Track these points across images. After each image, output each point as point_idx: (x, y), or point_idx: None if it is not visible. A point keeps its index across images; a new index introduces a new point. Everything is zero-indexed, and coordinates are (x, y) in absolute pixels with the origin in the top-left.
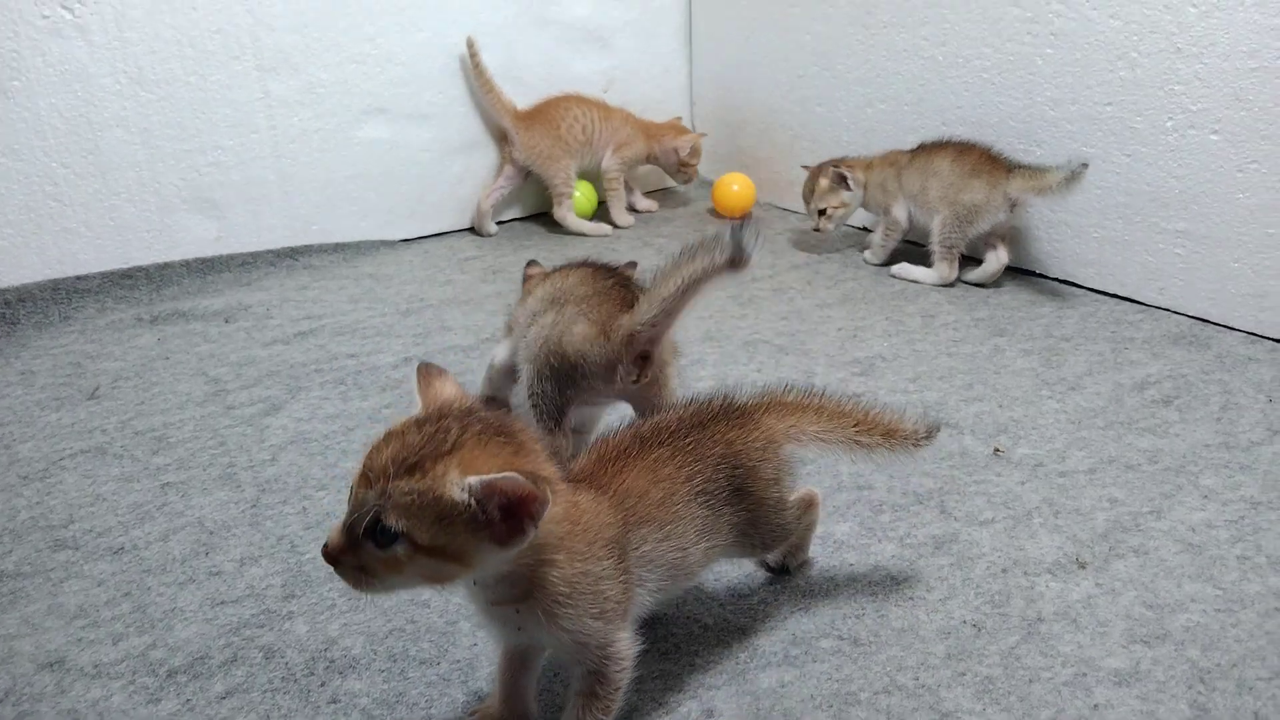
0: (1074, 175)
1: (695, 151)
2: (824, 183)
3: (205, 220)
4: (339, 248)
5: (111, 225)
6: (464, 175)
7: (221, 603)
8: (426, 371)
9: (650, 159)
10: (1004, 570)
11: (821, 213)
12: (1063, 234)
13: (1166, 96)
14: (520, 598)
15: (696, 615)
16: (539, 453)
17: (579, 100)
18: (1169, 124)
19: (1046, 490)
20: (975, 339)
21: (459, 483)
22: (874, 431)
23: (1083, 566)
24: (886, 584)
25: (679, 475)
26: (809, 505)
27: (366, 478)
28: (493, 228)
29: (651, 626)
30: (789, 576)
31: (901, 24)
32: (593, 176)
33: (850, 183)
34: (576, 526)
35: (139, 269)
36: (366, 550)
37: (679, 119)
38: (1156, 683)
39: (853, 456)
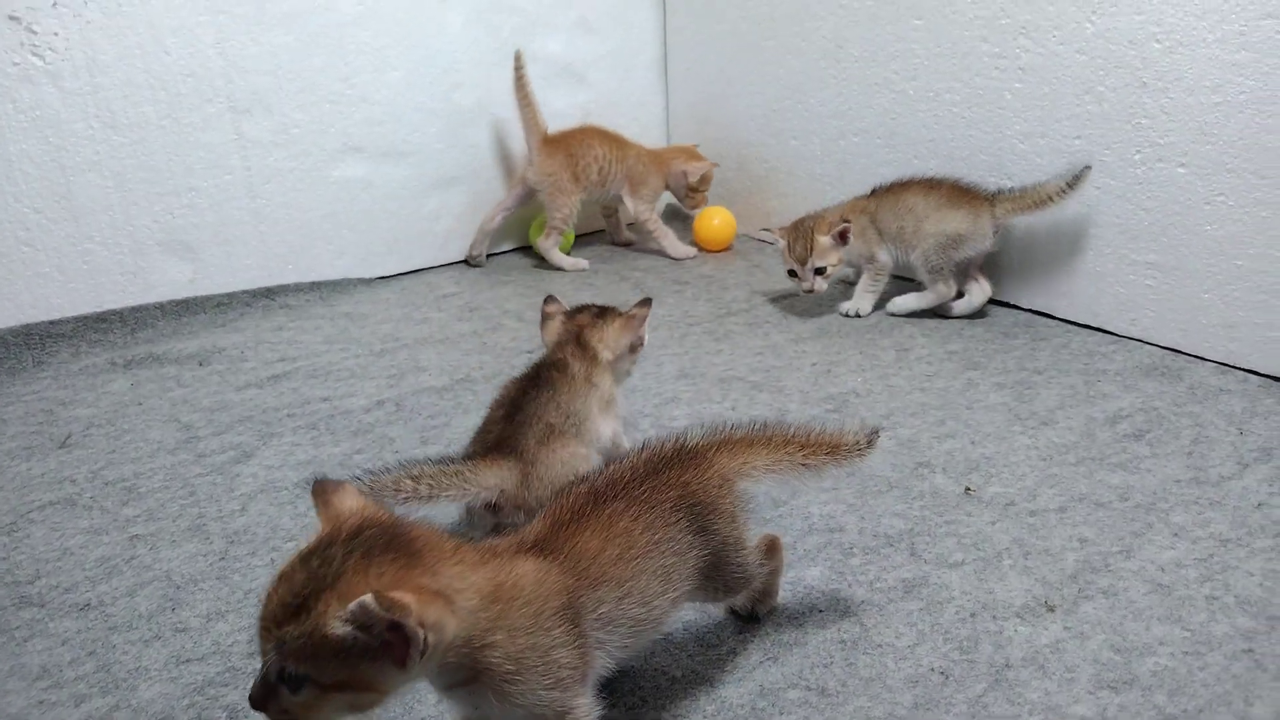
0: (1075, 180)
1: (705, 179)
2: (824, 240)
3: (180, 262)
4: (315, 286)
5: (85, 269)
6: (440, 211)
7: (187, 660)
8: (322, 490)
9: (665, 186)
10: (973, 614)
11: (819, 271)
12: (1036, 265)
13: (1134, 130)
14: (468, 680)
15: (664, 667)
16: (440, 553)
17: (600, 136)
18: (1137, 157)
19: (1017, 530)
20: (948, 373)
21: (340, 615)
22: (819, 451)
23: (1051, 609)
24: (856, 630)
25: (636, 527)
26: (771, 549)
27: (264, 627)
28: (483, 256)
29: (619, 680)
30: (758, 624)
31: (873, 58)
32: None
33: (849, 237)
34: (515, 602)
35: (113, 312)
36: (284, 697)
37: (695, 146)
38: None
39: (805, 480)
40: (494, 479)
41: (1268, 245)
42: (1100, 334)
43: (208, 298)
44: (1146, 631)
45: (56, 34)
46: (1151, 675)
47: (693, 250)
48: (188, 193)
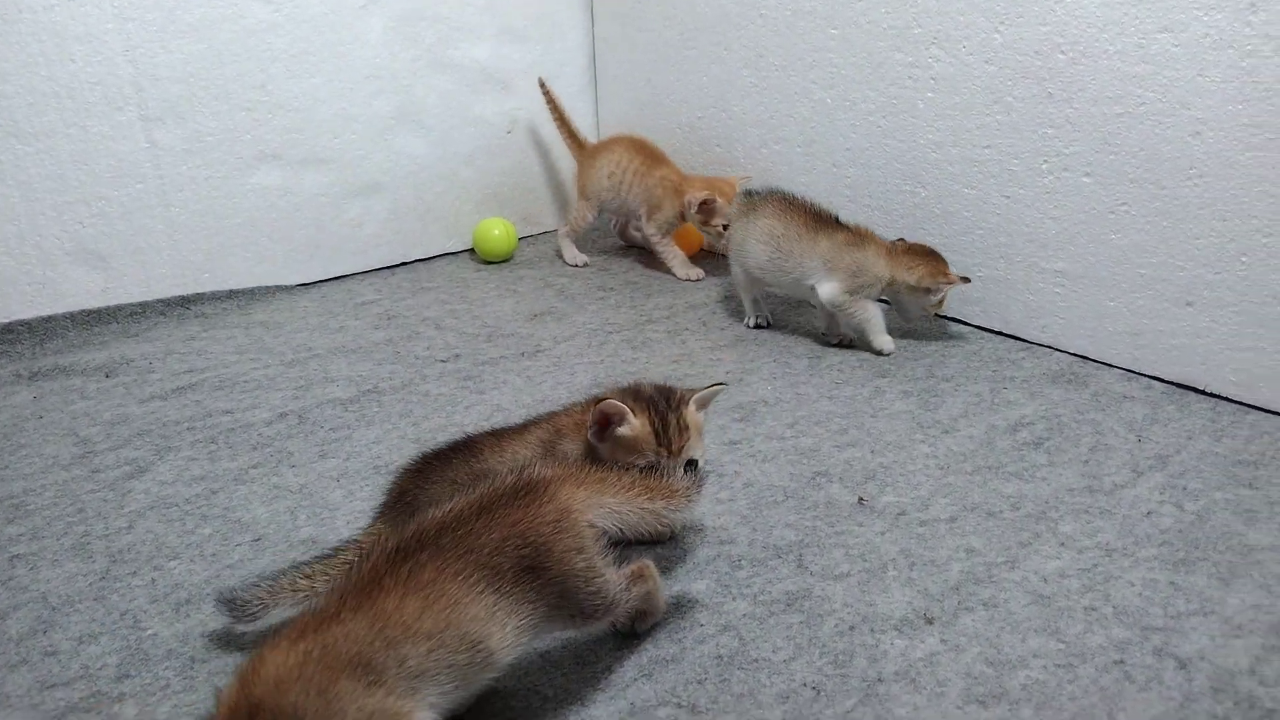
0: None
1: (711, 209)
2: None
3: (90, 272)
4: (233, 295)
5: None
6: (363, 218)
7: (52, 685)
8: None
9: (684, 218)
10: (852, 627)
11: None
12: None
13: (1041, 140)
14: None
15: (536, 686)
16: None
17: (628, 148)
18: (1044, 166)
19: (905, 541)
20: (858, 380)
21: None
22: (658, 496)
23: (930, 622)
24: (734, 645)
25: (444, 575)
26: (639, 577)
27: None
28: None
29: (487, 699)
30: (637, 640)
31: (792, 67)
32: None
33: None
34: (306, 693)
35: (20, 323)
36: None
37: (743, 178)
38: None
39: (644, 525)
40: None
41: (1169, 254)
42: (1011, 340)
43: (120, 307)
44: (1022, 644)
45: None
46: (1021, 689)
47: (699, 272)
48: (98, 202)
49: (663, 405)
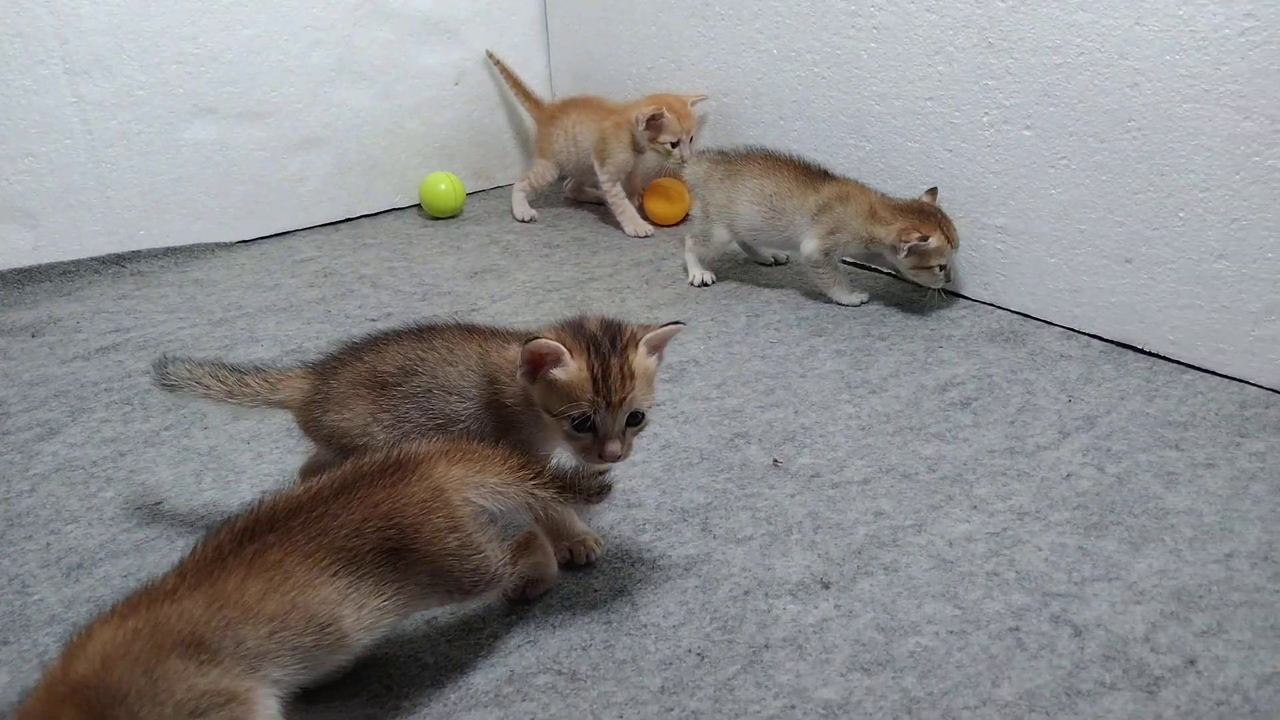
0: None
1: (658, 125)
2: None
3: (19, 229)
4: (170, 252)
5: None
6: (304, 173)
7: None
8: None
9: (638, 149)
10: (746, 592)
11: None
12: None
13: (982, 92)
14: None
15: (417, 654)
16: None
17: (582, 107)
18: (985, 119)
19: (814, 503)
20: (793, 339)
21: None
22: (550, 486)
23: (826, 587)
24: (625, 610)
25: (292, 558)
26: (526, 547)
27: None
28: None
29: (368, 667)
30: (528, 607)
31: (738, 16)
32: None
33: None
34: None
35: None
36: None
37: (703, 95)
38: (863, 714)
39: (525, 513)
40: (284, 395)
41: (1108, 209)
42: (954, 298)
43: (52, 266)
44: (917, 610)
45: None
46: (909, 656)
47: (648, 228)
48: (24, 158)
49: (605, 346)
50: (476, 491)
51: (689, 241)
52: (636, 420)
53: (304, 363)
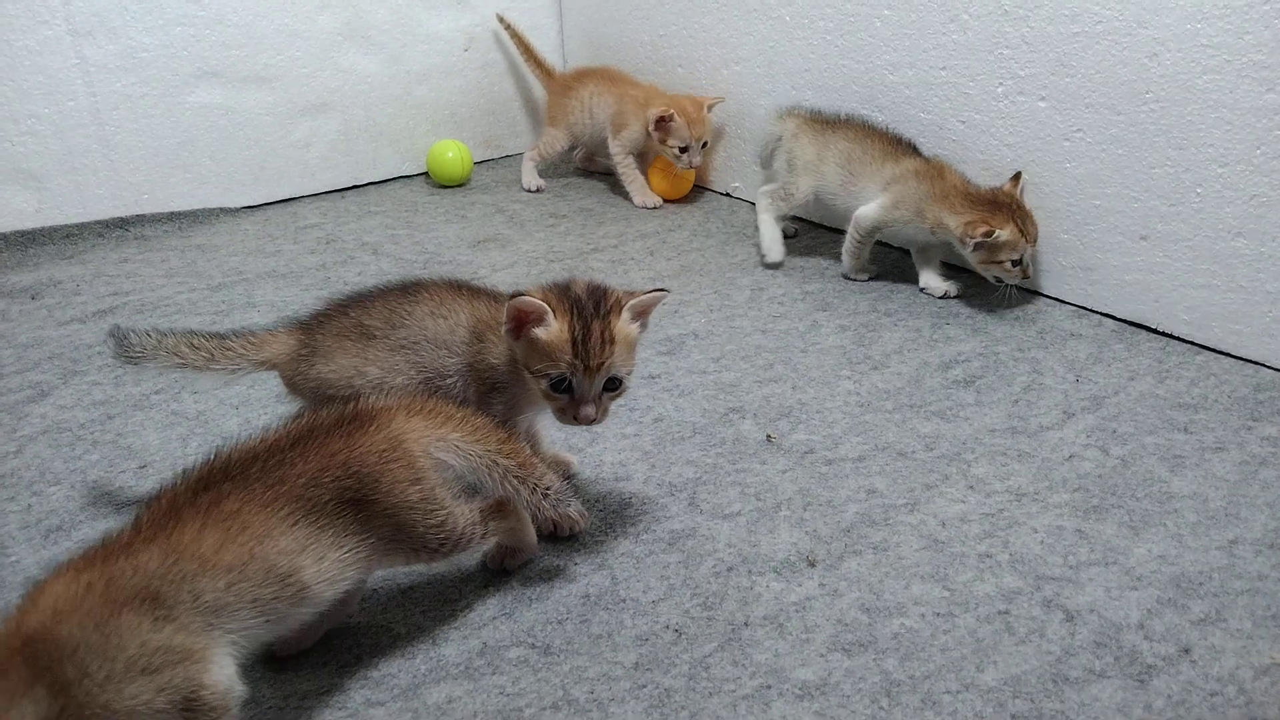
0: None
1: (667, 127)
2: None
3: (23, 191)
4: (174, 217)
5: None
6: (310, 140)
7: None
8: None
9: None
10: (730, 569)
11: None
12: None
13: (997, 61)
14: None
15: (389, 623)
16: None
17: (598, 79)
18: (1000, 90)
19: (806, 480)
20: (797, 314)
21: None
22: (513, 461)
23: (812, 565)
24: (605, 584)
25: (250, 507)
26: (499, 511)
27: None
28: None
29: (339, 635)
30: (507, 578)
31: None
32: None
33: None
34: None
35: None
36: None
37: (721, 99)
38: (841, 696)
39: (483, 479)
40: (269, 353)
41: (1123, 184)
42: (965, 275)
43: (56, 229)
44: (904, 590)
45: None
46: (892, 638)
47: (657, 200)
48: (27, 119)
49: (589, 309)
50: (438, 445)
51: (762, 203)
52: (614, 385)
53: (288, 320)
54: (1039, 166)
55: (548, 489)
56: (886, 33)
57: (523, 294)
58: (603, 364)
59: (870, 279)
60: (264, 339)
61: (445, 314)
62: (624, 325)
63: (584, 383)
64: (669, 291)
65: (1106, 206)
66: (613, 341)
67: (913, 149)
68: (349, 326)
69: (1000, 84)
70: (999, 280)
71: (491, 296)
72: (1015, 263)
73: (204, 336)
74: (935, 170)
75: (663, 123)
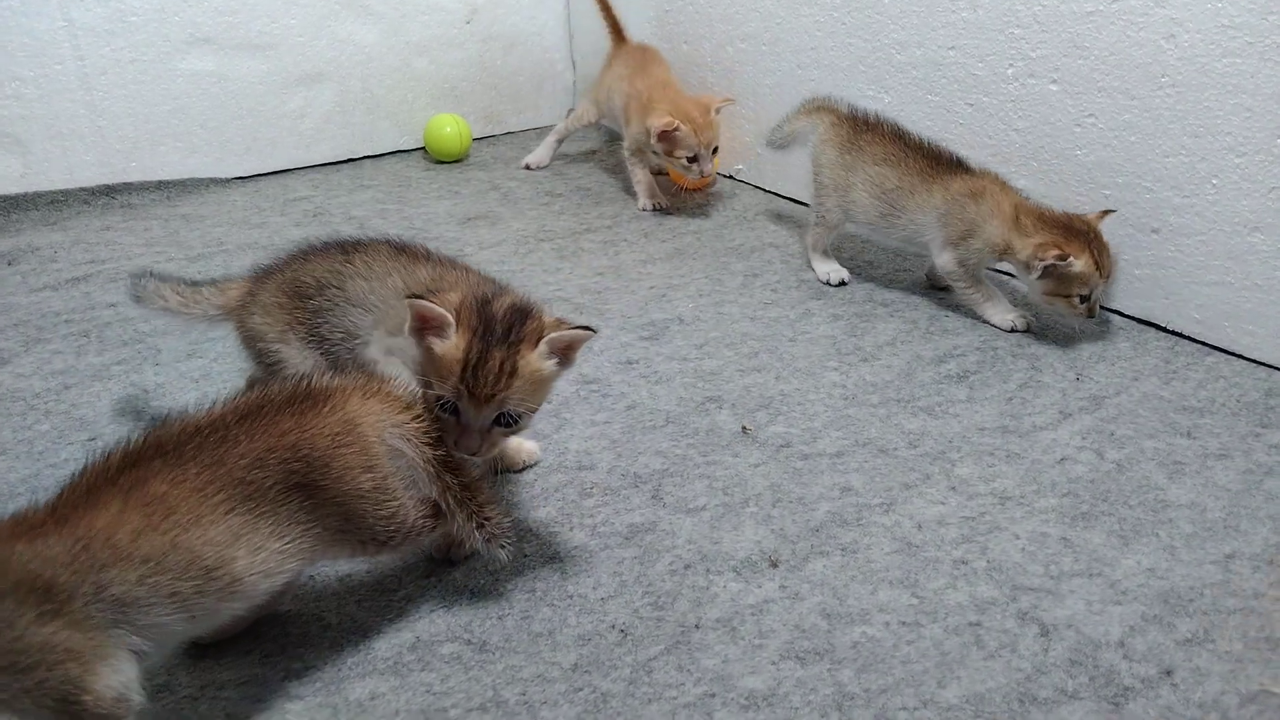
0: None
1: (672, 140)
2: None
3: (8, 156)
4: (162, 186)
5: None
6: (304, 110)
7: None
8: None
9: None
10: (687, 566)
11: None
12: None
13: (1007, 41)
14: None
15: (320, 613)
16: None
17: (629, 61)
18: (1009, 71)
19: (778, 475)
20: (789, 302)
21: None
22: (459, 474)
23: (775, 565)
24: (553, 579)
25: (182, 490)
26: None
27: None
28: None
29: (266, 624)
30: (450, 569)
31: None
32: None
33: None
34: None
35: None
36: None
37: (730, 99)
38: (789, 708)
39: (428, 490)
40: (225, 300)
41: (1135, 174)
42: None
43: (41, 194)
44: (870, 596)
45: None
46: (851, 647)
47: (664, 201)
48: (12, 82)
49: (497, 333)
50: (393, 432)
51: (807, 242)
52: (509, 422)
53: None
54: (1049, 153)
55: (485, 520)
56: (894, 10)
57: (424, 297)
58: (494, 396)
59: (1026, 329)
60: (225, 287)
61: (371, 275)
62: (534, 359)
63: (469, 410)
64: (596, 332)
65: (1117, 196)
66: (513, 374)
67: (959, 164)
68: (287, 282)
69: (1010, 65)
70: (1062, 316)
71: (443, 265)
72: (1084, 298)
73: (185, 283)
74: (992, 185)
75: (666, 135)
